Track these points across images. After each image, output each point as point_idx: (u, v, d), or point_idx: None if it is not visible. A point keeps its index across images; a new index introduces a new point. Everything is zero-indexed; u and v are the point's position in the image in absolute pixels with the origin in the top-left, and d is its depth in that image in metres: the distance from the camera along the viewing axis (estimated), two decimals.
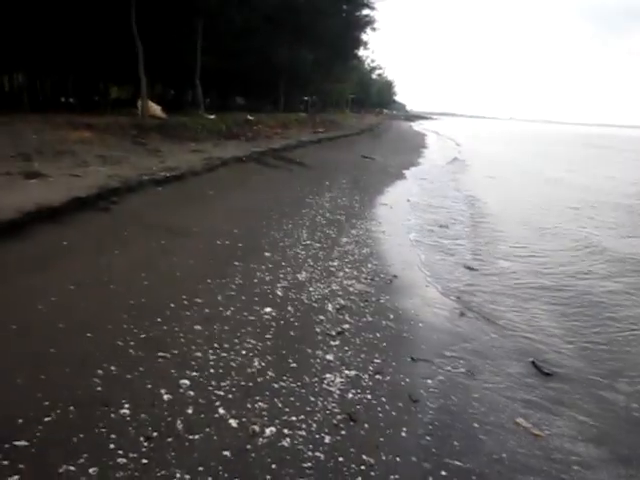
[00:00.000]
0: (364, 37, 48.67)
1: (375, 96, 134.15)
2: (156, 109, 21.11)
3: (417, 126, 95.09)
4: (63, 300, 5.33)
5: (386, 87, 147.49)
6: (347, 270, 7.82)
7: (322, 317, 5.94)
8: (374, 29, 45.25)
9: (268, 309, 5.92)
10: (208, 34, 26.39)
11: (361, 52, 59.38)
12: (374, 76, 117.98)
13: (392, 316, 6.26)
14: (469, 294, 7.40)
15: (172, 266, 6.77)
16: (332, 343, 5.32)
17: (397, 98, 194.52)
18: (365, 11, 43.74)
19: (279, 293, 6.47)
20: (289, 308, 6.06)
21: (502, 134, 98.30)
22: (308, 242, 9.09)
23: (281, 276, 7.10)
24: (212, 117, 24.77)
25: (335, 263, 8.09)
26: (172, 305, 5.57)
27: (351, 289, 7.04)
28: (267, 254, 8.01)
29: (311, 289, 6.80)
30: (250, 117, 28.59)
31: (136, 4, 19.28)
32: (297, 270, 7.43)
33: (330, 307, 6.29)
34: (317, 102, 70.36)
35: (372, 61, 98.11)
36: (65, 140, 13.79)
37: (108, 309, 5.28)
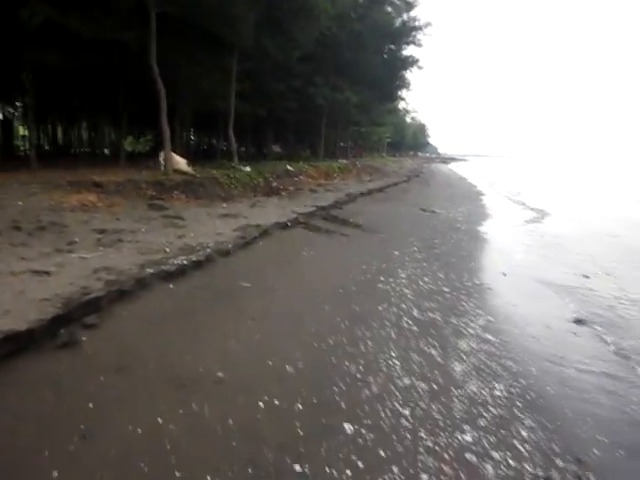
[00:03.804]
0: (408, 77, 45.66)
1: (410, 139, 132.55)
2: (181, 163, 18.02)
3: (456, 168, 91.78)
4: None
5: (420, 130, 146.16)
6: (495, 454, 4.20)
7: None
8: (420, 67, 42.24)
9: None
10: (242, 75, 23.63)
11: (404, 93, 56.52)
12: (408, 119, 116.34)
13: None
14: None
15: None
16: None
17: (429, 141, 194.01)
18: (410, 50, 41.02)
19: None
20: None
21: (547, 171, 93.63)
22: (406, 381, 5.46)
23: None
24: (247, 169, 21.55)
25: (467, 436, 4.47)
26: None
27: None
28: (347, 427, 4.41)
29: None
30: (290, 167, 25.36)
31: (158, 40, 16.45)
32: (414, 471, 3.81)
33: None
34: (354, 147, 67.86)
35: (407, 104, 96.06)
36: (59, 207, 10.63)
37: None
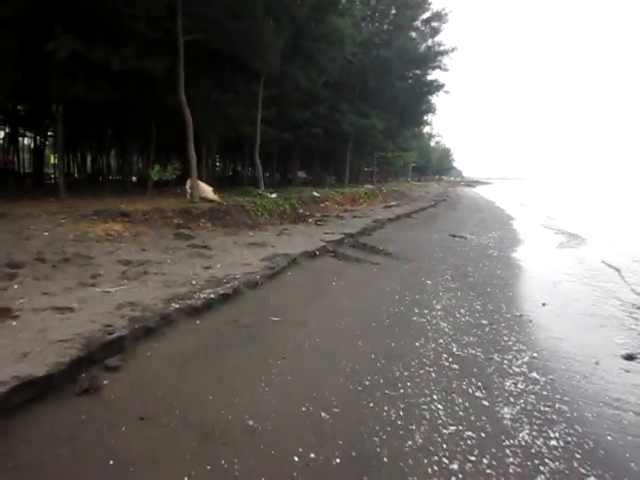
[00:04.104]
0: (434, 101, 45.33)
1: (436, 164, 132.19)
2: (207, 190, 17.91)
3: (482, 192, 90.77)
4: None
5: (445, 154, 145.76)
6: None
7: None
8: (447, 92, 42.02)
9: None
10: (268, 101, 23.63)
11: (430, 117, 56.14)
12: (432, 143, 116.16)
13: None
14: None
15: None
16: None
17: (454, 165, 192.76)
18: (435, 74, 40.90)
19: None
20: None
21: (573, 192, 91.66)
22: (451, 429, 4.99)
23: None
24: (273, 196, 21.40)
25: None
26: None
27: None
28: None
29: None
30: (316, 193, 25.13)
31: (184, 67, 16.50)
32: None
33: None
34: (379, 172, 67.71)
35: (432, 128, 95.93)
36: (85, 237, 10.49)
37: None
